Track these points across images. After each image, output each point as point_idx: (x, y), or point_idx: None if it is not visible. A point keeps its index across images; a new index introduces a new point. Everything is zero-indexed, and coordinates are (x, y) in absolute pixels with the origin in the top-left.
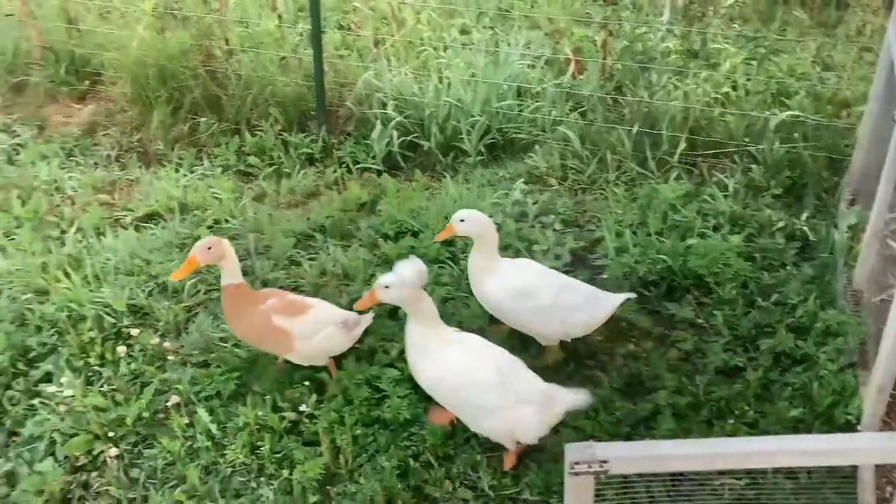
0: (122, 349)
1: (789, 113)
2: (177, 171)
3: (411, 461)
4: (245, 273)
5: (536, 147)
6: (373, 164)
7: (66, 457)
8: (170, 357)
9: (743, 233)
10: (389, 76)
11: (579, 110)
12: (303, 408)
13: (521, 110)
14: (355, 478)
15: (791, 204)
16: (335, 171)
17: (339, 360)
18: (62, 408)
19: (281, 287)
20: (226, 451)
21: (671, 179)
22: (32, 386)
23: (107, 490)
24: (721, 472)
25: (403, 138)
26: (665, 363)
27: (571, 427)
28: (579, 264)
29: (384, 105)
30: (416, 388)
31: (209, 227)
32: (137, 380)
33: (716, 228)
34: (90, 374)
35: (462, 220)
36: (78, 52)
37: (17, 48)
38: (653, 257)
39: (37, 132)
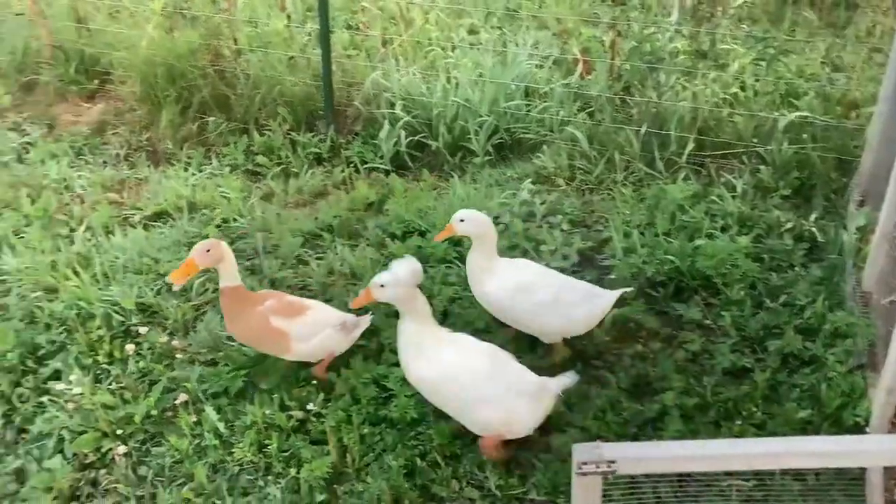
0: (130, 347)
1: (798, 114)
2: (185, 169)
3: (418, 460)
4: (253, 272)
5: (544, 147)
6: (380, 163)
7: (74, 454)
8: (178, 355)
9: (751, 234)
10: (397, 76)
11: (587, 110)
12: (310, 406)
13: (528, 110)
14: (362, 477)
15: (800, 205)
16: (343, 171)
17: (346, 359)
18: (71, 405)
19: (288, 286)
20: (233, 450)
21: (679, 180)
22: (41, 383)
23: (115, 487)
24: (728, 474)
25: (411, 138)
26: (673, 364)
27: (578, 427)
28: (587, 264)
29: (392, 105)
30: None
31: (217, 226)
32: (146, 378)
33: (724, 229)
34: (99, 371)
35: (462, 220)
36: (87, 52)
37: (28, 47)
38: (661, 258)
39: (46, 131)
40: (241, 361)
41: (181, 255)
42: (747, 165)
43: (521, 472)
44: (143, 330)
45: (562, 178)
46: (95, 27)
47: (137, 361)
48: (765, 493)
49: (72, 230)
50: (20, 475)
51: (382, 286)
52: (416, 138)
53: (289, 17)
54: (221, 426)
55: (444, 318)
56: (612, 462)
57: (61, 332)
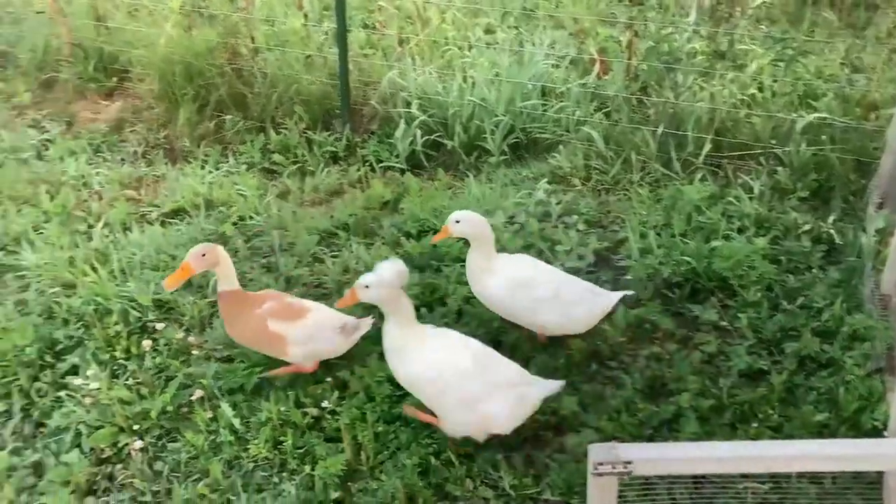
0: (147, 343)
1: (816, 115)
2: (202, 167)
3: (432, 459)
4: (269, 270)
5: (560, 147)
6: (396, 162)
7: (91, 448)
8: (194, 351)
9: (768, 235)
10: (414, 75)
11: (604, 110)
12: (325, 404)
13: (545, 110)
14: (376, 475)
15: (818, 207)
16: (359, 170)
17: (361, 357)
18: (88, 400)
19: (304, 284)
20: (248, 446)
21: (696, 181)
22: (59, 378)
23: (131, 482)
24: (744, 476)
25: (427, 137)
26: (688, 365)
27: (593, 428)
28: (603, 265)
29: (408, 104)
30: None
31: (234, 224)
32: (162, 374)
33: (741, 231)
34: (116, 367)
35: (457, 222)
36: (106, 50)
37: (48, 45)
38: (677, 259)
39: (65, 128)
40: (257, 358)
41: None
42: (765, 167)
43: (536, 472)
44: (159, 326)
45: (578, 178)
46: (114, 25)
47: (154, 357)
48: (781, 497)
49: (90, 227)
50: (38, 469)
51: (367, 287)
52: (431, 137)
53: (306, 16)
54: (237, 422)
55: (459, 317)
56: (629, 463)
57: (79, 328)
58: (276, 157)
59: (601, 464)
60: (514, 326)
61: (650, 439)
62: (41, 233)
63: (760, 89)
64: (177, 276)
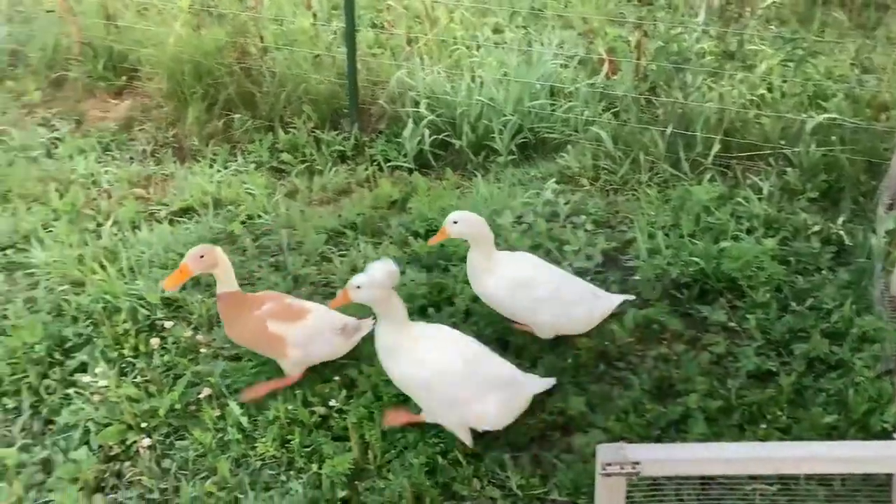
0: (155, 341)
1: (826, 115)
2: (211, 166)
3: (440, 458)
4: (277, 268)
5: (568, 147)
6: (404, 162)
7: (100, 446)
8: (202, 350)
9: (777, 236)
10: (422, 75)
11: (612, 110)
12: (332, 403)
13: (553, 110)
14: (384, 474)
15: (827, 208)
16: (367, 169)
17: (369, 356)
18: (96, 398)
19: (312, 283)
20: (256, 444)
21: (705, 181)
22: (68, 375)
23: (139, 480)
24: (752, 477)
25: (435, 137)
26: (696, 366)
27: (601, 428)
28: (611, 265)
29: (416, 103)
30: None
31: (242, 223)
32: (170, 372)
33: (749, 231)
34: (124, 365)
35: (455, 222)
36: (116, 48)
37: (57, 44)
38: (685, 259)
39: (75, 126)
40: (265, 357)
41: None
42: (774, 167)
43: (543, 472)
44: (168, 324)
45: (586, 178)
46: (124, 24)
47: (162, 355)
48: (789, 498)
49: (99, 225)
50: (47, 465)
51: (359, 287)
52: (439, 137)
53: (314, 15)
54: (244, 421)
55: (467, 316)
56: (637, 463)
57: (88, 326)
58: (285, 156)
59: (609, 464)
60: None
61: (658, 440)
62: (50, 231)
63: (770, 90)
64: (175, 277)
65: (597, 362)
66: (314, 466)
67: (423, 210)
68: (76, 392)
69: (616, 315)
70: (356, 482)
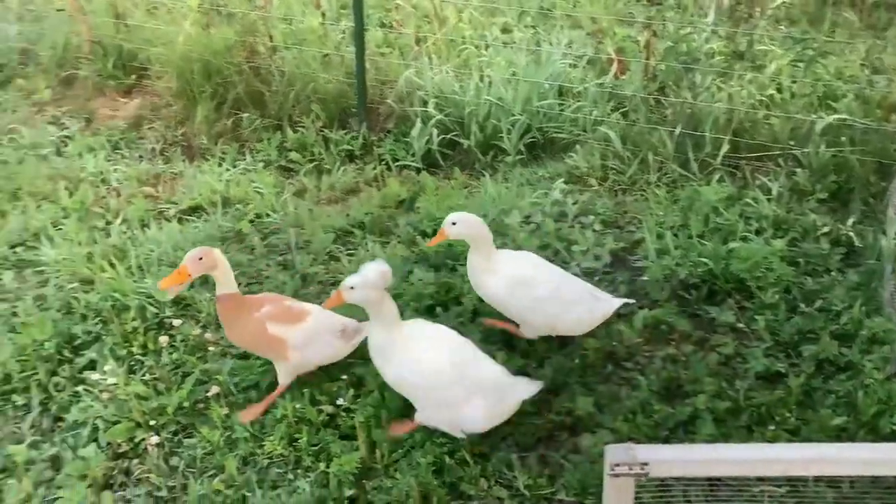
0: (164, 339)
1: (836, 116)
2: (220, 165)
3: (447, 458)
4: (285, 267)
5: (577, 147)
6: (412, 161)
7: (108, 443)
8: (210, 348)
9: (786, 237)
10: (430, 74)
11: (621, 110)
12: (340, 401)
13: (562, 110)
14: (391, 473)
15: (837, 209)
16: (375, 168)
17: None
18: (105, 395)
19: (320, 282)
20: (264, 443)
21: (713, 182)
22: (77, 373)
23: (147, 477)
24: (761, 479)
25: (443, 136)
26: (705, 367)
27: (608, 429)
28: (619, 265)
29: (425, 103)
30: None
31: (251, 221)
32: (179, 370)
33: (758, 232)
34: (133, 362)
35: (454, 224)
36: (126, 47)
37: (68, 42)
38: (694, 260)
39: (84, 125)
40: None
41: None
42: (783, 168)
43: (551, 472)
44: (176, 322)
45: (594, 178)
46: (134, 23)
47: (171, 353)
48: (797, 500)
49: (108, 223)
50: (56, 462)
51: (352, 288)
52: (447, 136)
53: (323, 14)
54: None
55: (475, 316)
56: (646, 464)
57: (97, 323)
58: (293, 155)
59: (618, 465)
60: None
61: (666, 441)
62: (60, 229)
63: (779, 90)
64: (173, 279)
65: (605, 363)
66: (322, 465)
67: (431, 209)
68: (85, 389)
69: (624, 315)
70: (364, 481)
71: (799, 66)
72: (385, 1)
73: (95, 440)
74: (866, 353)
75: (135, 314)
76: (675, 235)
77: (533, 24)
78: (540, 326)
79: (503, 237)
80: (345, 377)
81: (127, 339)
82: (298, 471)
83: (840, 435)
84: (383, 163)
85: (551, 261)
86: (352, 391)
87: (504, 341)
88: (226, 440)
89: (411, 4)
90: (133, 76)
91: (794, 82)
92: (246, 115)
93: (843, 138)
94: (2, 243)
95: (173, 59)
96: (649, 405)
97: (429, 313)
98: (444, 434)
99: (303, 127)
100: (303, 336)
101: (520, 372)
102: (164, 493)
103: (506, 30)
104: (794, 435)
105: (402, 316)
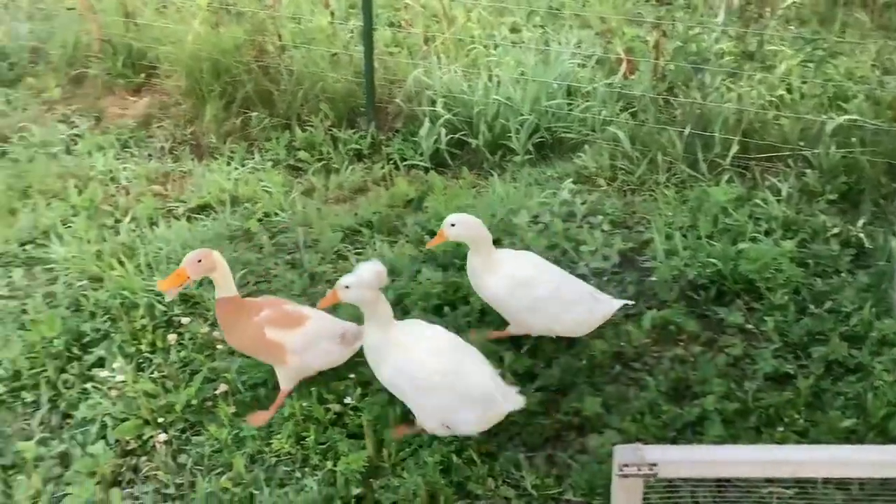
0: (172, 337)
1: (847, 117)
2: (228, 164)
3: (454, 457)
4: (294, 266)
5: (585, 147)
6: (420, 161)
7: (116, 440)
8: (218, 346)
9: (796, 238)
10: (439, 74)
11: (630, 110)
12: (347, 400)
13: (570, 110)
14: (398, 472)
15: (847, 210)
16: (383, 168)
17: None
18: (114, 392)
19: (328, 281)
20: (271, 441)
21: (723, 182)
22: (86, 370)
23: (155, 474)
24: (769, 481)
25: (451, 136)
26: (713, 368)
27: (616, 429)
28: (628, 266)
29: (433, 102)
30: None
31: (259, 220)
32: (187, 367)
33: (768, 233)
34: (141, 360)
35: (453, 225)
36: (135, 46)
37: (78, 41)
38: (703, 261)
39: (94, 123)
40: None
41: (223, 247)
42: (793, 169)
43: (558, 472)
44: (185, 320)
45: (603, 178)
46: (143, 22)
47: (179, 351)
48: (806, 502)
49: (117, 221)
50: (65, 459)
51: (347, 287)
52: (456, 136)
53: (332, 13)
54: None
55: (482, 315)
56: (654, 465)
57: (106, 321)
58: (302, 155)
59: (627, 465)
60: None
61: (674, 441)
62: (69, 226)
63: (789, 90)
64: (171, 281)
65: (613, 363)
66: (329, 463)
67: (439, 209)
68: (94, 387)
69: (632, 316)
70: (371, 480)
71: (809, 67)
72: (394, 0)
73: (104, 437)
74: (876, 354)
75: (143, 312)
76: (684, 236)
77: (542, 24)
78: (539, 328)
79: (511, 237)
80: (352, 376)
81: (135, 337)
82: (306, 469)
83: (849, 437)
84: (391, 162)
85: (559, 261)
86: (359, 390)
87: (511, 340)
88: (233, 438)
89: (420, 4)
90: (142, 75)
91: (804, 83)
92: (255, 114)
93: (854, 139)
94: (12, 240)
95: (182, 57)
96: (657, 406)
97: (436, 313)
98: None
99: (311, 126)
100: (301, 341)
101: (526, 373)
102: (171, 490)
103: (514, 29)
104: (803, 437)
105: (409, 315)
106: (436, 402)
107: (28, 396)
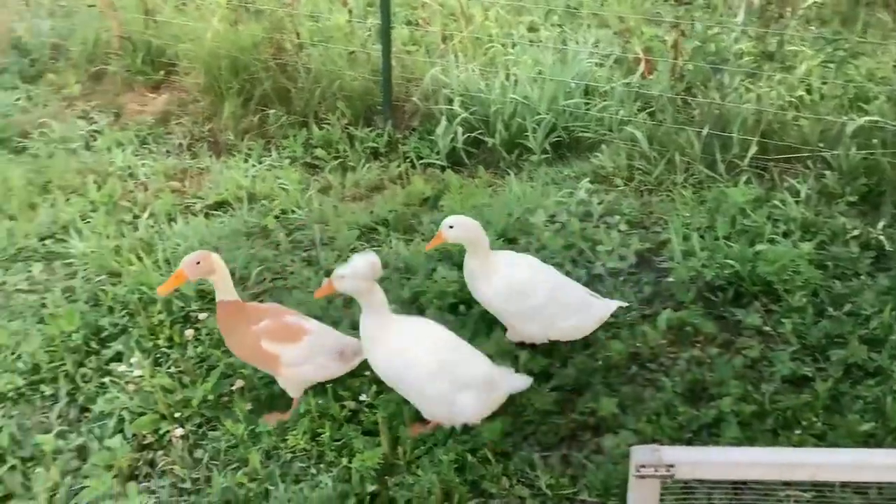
0: (189, 332)
1: (867, 118)
2: (246, 161)
3: (469, 456)
4: (310, 263)
5: (603, 146)
6: (437, 159)
7: (133, 434)
8: None
9: (815, 240)
10: (456, 72)
11: (648, 110)
12: (363, 397)
13: (588, 109)
14: (413, 469)
15: (867, 212)
16: (399, 166)
17: None
18: (131, 387)
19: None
20: (287, 437)
21: (741, 183)
22: (104, 364)
23: (172, 469)
24: (787, 484)
25: (468, 134)
26: (730, 370)
27: (631, 430)
28: (644, 266)
29: (450, 101)
30: None
31: (276, 217)
32: (204, 363)
33: (786, 235)
34: (159, 355)
35: (451, 227)
36: (154, 43)
37: (98, 38)
38: (720, 262)
39: (113, 119)
40: None
41: (240, 244)
42: (812, 170)
43: (573, 472)
44: (202, 316)
45: (620, 178)
46: (163, 19)
47: (196, 346)
48: None
49: (135, 217)
50: (82, 452)
51: (343, 277)
52: (473, 135)
53: (350, 12)
54: None
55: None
56: (672, 466)
57: (124, 316)
58: (319, 152)
59: (644, 466)
60: None
61: (689, 443)
62: (88, 222)
63: (809, 91)
64: (170, 283)
65: (629, 364)
66: (344, 460)
67: (455, 208)
68: (111, 381)
69: (649, 317)
70: (386, 477)
71: (830, 67)
72: None
73: (121, 431)
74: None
75: (161, 307)
76: (702, 237)
77: (559, 23)
78: (535, 333)
79: (528, 236)
80: (368, 373)
81: (153, 332)
82: (321, 465)
83: (868, 441)
84: (408, 160)
85: (576, 261)
86: (374, 387)
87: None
88: (249, 434)
89: (438, 2)
90: (161, 72)
91: (824, 83)
92: (272, 111)
93: (875, 141)
94: (32, 235)
95: (201, 55)
96: (673, 407)
97: (452, 311)
98: (466, 431)
99: (328, 124)
100: (297, 355)
101: (542, 372)
102: (188, 484)
103: (532, 28)
104: (821, 440)
105: (424, 314)
106: (435, 389)
107: (47, 390)
